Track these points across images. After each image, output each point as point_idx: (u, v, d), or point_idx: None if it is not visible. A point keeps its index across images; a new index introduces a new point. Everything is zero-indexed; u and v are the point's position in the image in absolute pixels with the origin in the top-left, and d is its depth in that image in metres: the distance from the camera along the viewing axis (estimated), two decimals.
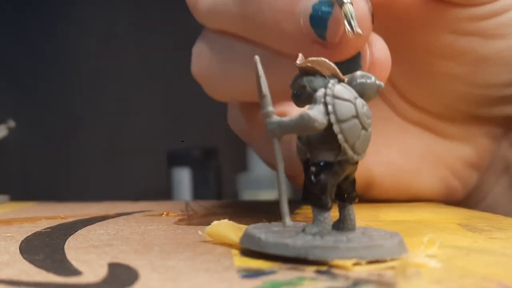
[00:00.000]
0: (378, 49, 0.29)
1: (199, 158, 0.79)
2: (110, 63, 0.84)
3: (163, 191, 0.77)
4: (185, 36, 0.86)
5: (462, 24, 0.35)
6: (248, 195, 0.80)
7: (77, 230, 0.31)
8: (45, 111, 0.82)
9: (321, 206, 0.23)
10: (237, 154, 0.85)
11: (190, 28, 0.85)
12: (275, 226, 0.25)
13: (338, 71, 0.24)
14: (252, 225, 0.25)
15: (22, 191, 0.66)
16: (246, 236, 0.24)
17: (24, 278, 0.21)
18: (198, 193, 0.76)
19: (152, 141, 0.83)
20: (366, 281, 0.20)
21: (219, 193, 0.78)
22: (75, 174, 0.82)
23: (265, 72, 0.24)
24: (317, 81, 0.24)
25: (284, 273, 0.21)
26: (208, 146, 0.81)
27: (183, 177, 0.77)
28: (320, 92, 0.23)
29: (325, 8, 0.28)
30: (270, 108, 0.24)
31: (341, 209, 0.25)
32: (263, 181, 0.80)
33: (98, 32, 0.84)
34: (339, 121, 0.23)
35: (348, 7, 0.27)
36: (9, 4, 0.82)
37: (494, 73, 0.37)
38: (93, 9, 0.83)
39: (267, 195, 0.77)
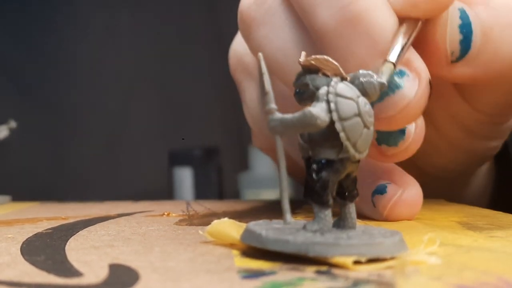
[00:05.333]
0: (419, 129, 0.31)
1: (201, 157, 0.78)
2: (111, 63, 0.84)
3: (164, 191, 0.76)
4: (186, 36, 0.87)
5: None
6: (249, 194, 0.80)
7: (78, 231, 0.31)
8: (45, 111, 0.82)
9: (322, 204, 0.23)
10: (238, 153, 0.84)
11: (191, 28, 0.85)
12: (276, 223, 0.25)
13: (341, 69, 0.24)
14: (252, 222, 0.25)
15: (23, 192, 0.66)
16: (247, 233, 0.24)
17: (25, 279, 0.21)
18: (200, 192, 0.76)
19: (153, 141, 0.83)
20: (366, 281, 0.20)
21: (221, 192, 0.78)
22: (76, 174, 0.82)
23: None
24: (320, 79, 0.24)
25: (284, 274, 0.21)
26: (210, 146, 0.81)
27: (184, 177, 0.77)
28: (323, 90, 0.23)
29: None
30: (273, 105, 0.24)
31: (342, 207, 0.25)
32: (265, 180, 0.80)
33: (99, 31, 0.84)
34: (341, 119, 0.23)
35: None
36: (9, 3, 0.82)
37: None
38: (94, 8, 0.83)
39: (269, 194, 0.77)
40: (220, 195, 0.77)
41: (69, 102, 0.84)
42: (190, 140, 0.81)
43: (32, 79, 0.84)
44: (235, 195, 0.80)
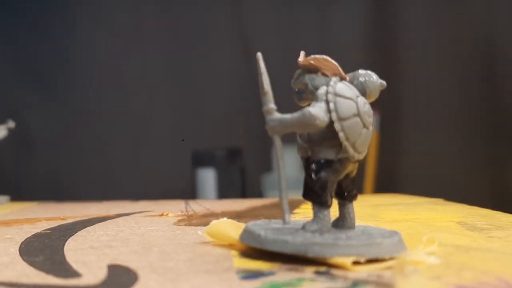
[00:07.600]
0: None
1: (224, 158, 0.78)
2: (136, 63, 0.84)
3: (187, 192, 0.76)
4: (210, 37, 0.86)
5: None
6: (272, 195, 0.79)
7: (76, 231, 0.31)
8: (70, 111, 0.83)
9: (321, 204, 0.23)
10: (261, 154, 0.84)
11: (215, 29, 0.85)
12: (275, 223, 0.25)
13: (340, 69, 0.24)
14: (251, 222, 0.25)
15: (47, 192, 0.67)
16: (246, 233, 0.24)
17: (24, 280, 0.21)
18: (223, 193, 0.76)
19: (177, 142, 0.83)
20: (365, 282, 0.20)
21: (244, 193, 0.78)
22: (100, 173, 0.83)
23: None
24: (319, 79, 0.24)
25: (283, 274, 0.21)
26: (233, 147, 0.81)
27: (207, 178, 0.77)
28: (322, 90, 0.23)
29: None
30: (272, 105, 0.24)
31: (341, 207, 0.25)
32: (288, 181, 0.79)
33: (124, 32, 0.84)
34: (341, 119, 0.23)
35: None
36: (32, 3, 0.83)
37: None
38: (120, 9, 0.84)
39: (293, 196, 0.76)
40: (243, 196, 0.77)
41: (93, 103, 0.84)
42: (214, 141, 0.81)
43: (56, 78, 0.84)
44: (258, 196, 0.80)
